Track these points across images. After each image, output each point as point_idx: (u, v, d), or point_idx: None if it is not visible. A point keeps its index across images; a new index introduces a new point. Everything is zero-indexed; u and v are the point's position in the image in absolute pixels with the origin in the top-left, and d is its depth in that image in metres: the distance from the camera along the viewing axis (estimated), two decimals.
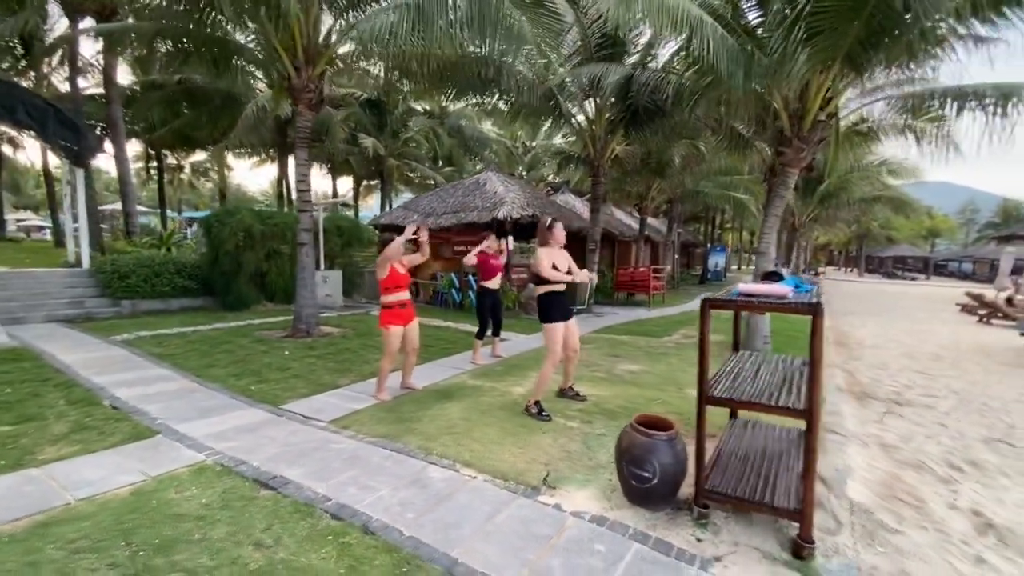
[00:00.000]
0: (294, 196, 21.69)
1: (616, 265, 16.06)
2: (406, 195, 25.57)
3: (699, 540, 2.64)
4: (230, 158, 29.87)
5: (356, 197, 26.36)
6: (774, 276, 3.10)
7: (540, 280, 4.32)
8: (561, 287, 4.34)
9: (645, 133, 9.41)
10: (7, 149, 23.43)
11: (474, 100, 10.37)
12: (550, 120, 10.42)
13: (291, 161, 23.14)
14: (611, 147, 10.47)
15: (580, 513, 2.81)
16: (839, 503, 3.08)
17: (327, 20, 7.27)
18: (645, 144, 10.55)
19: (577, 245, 16.67)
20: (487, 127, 24.13)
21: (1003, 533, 3.00)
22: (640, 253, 15.62)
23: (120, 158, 12.44)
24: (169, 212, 29.75)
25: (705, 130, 10.30)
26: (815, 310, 2.41)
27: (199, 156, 30.59)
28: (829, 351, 8.55)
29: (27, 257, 13.07)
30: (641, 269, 13.51)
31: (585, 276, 4.45)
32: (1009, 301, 14.41)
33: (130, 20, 10.76)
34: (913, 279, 41.10)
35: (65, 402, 4.23)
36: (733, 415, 3.91)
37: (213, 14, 6.19)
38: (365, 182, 26.24)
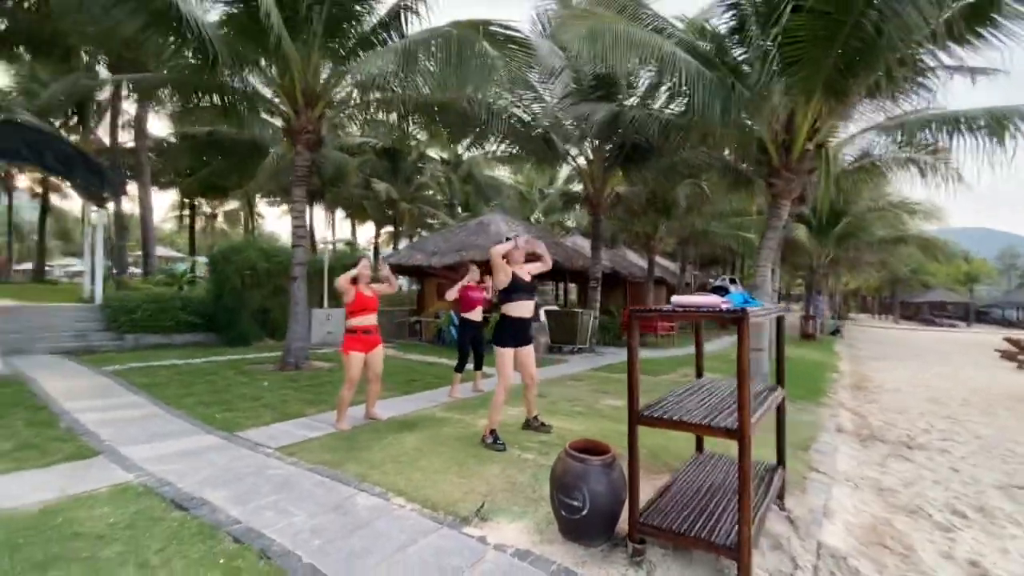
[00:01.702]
0: (317, 238, 22.36)
1: (628, 307, 15.77)
2: None
3: None
4: (262, 205, 31.44)
5: (376, 242, 27.08)
6: (720, 291, 2.92)
7: (501, 298, 4.20)
8: (522, 312, 4.21)
9: (641, 171, 9.43)
10: (55, 199, 25.16)
11: (477, 145, 10.70)
12: (550, 162, 10.58)
13: (315, 207, 24.15)
14: (609, 186, 10.52)
15: (503, 546, 2.57)
16: (802, 544, 2.74)
17: (326, 65, 7.68)
18: (645, 183, 10.55)
19: (582, 284, 16.48)
20: (503, 174, 24.78)
21: None
22: (649, 295, 15.33)
23: (144, 203, 13.16)
24: (201, 258, 31.07)
25: (707, 169, 10.29)
26: (740, 317, 2.22)
27: (233, 204, 32.25)
28: (843, 394, 8.02)
29: (52, 295, 13.68)
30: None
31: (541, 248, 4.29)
32: None
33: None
34: (952, 326, 38.97)
35: (24, 424, 4.24)
36: (699, 447, 3.62)
37: (214, 62, 6.60)
38: (387, 228, 27.12)
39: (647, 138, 8.70)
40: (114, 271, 13.60)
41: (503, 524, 2.81)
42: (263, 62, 7.19)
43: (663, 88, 7.43)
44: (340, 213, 25.56)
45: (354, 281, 4.71)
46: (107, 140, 18.05)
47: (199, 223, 32.72)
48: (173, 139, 19.73)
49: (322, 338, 10.95)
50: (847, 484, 3.98)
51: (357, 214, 21.85)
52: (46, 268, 25.37)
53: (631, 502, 2.52)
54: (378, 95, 7.51)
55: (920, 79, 5.65)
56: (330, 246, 13.14)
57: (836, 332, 19.73)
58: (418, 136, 16.39)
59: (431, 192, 21.17)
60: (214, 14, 6.80)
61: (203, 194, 22.72)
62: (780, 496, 3.26)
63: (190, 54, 6.78)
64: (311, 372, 7.36)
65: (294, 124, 7.54)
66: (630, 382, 2.54)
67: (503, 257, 4.08)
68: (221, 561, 2.32)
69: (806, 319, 16.51)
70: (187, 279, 12.31)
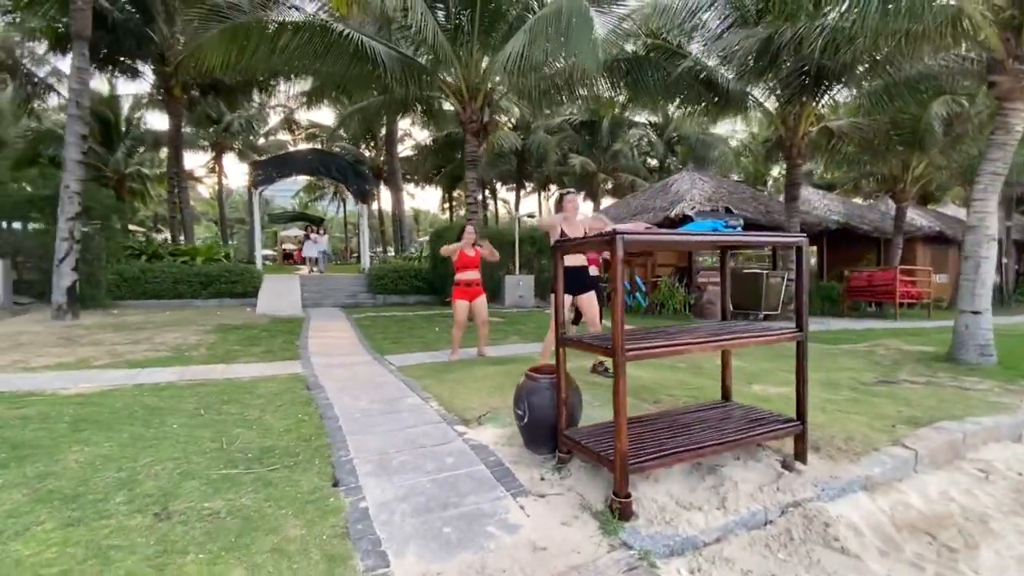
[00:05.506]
0: (521, 214, 24.74)
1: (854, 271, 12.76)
2: None
3: (542, 479, 2.66)
4: (503, 192, 36.49)
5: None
6: (685, 220, 2.76)
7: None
8: (576, 262, 4.46)
9: (836, 98, 7.66)
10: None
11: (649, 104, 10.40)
12: (724, 109, 9.48)
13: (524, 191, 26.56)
14: (805, 123, 8.80)
15: (471, 440, 3.14)
16: (754, 495, 2.46)
17: (483, 60, 8.82)
18: (853, 112, 8.44)
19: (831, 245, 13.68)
20: (723, 130, 22.47)
21: None
22: (898, 253, 11.95)
23: (396, 198, 17.13)
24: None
25: (958, 77, 7.77)
26: (612, 237, 2.25)
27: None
28: None
29: (349, 269, 19.10)
30: (880, 272, 10.47)
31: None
32: None
33: None
34: None
35: (281, 341, 6.67)
36: (725, 396, 3.36)
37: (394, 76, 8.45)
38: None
39: (838, 57, 7.08)
40: (388, 252, 18.07)
41: (488, 429, 3.36)
42: (437, 70, 8.77)
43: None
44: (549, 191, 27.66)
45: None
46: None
47: (461, 211, 39.65)
48: (431, 144, 24.63)
49: (514, 301, 12.49)
50: (967, 472, 3.01)
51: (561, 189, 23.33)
52: None
53: (558, 417, 2.76)
54: (523, 77, 8.25)
55: None
56: (521, 219, 14.64)
57: None
58: (618, 99, 16.52)
59: (639, 158, 20.85)
60: (396, 40, 8.67)
61: (452, 186, 27.56)
62: (799, 456, 2.83)
63: (386, 76, 8.80)
64: None
65: (462, 116, 8.97)
66: (555, 311, 2.76)
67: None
68: (298, 416, 3.58)
69: None
70: (424, 255, 15.61)
